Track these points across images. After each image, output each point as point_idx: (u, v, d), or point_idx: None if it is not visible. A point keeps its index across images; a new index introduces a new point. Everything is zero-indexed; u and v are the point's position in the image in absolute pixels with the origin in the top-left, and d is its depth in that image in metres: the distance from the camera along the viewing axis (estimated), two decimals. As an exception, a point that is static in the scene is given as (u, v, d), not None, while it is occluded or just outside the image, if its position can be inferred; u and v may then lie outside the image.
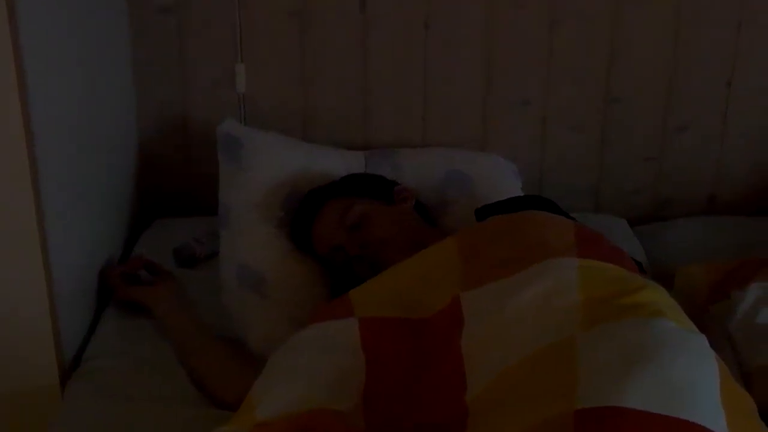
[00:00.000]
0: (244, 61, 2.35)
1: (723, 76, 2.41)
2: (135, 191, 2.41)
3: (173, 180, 2.47)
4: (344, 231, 1.91)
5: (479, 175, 2.25)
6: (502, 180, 2.29)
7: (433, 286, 1.62)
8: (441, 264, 1.65)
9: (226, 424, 1.48)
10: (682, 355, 1.34)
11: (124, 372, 1.83)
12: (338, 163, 2.20)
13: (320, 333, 1.61)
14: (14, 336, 1.79)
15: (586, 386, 1.29)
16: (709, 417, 1.25)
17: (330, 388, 1.50)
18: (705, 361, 1.36)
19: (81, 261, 1.97)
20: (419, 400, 1.49)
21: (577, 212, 2.13)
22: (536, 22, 2.34)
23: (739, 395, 1.38)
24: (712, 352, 1.40)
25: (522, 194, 2.24)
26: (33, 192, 1.69)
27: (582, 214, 2.25)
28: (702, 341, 1.41)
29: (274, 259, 2.01)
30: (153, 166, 2.46)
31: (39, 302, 1.76)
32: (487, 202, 2.02)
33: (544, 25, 2.34)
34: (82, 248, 1.96)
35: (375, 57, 2.36)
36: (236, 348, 1.89)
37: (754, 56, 2.39)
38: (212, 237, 2.18)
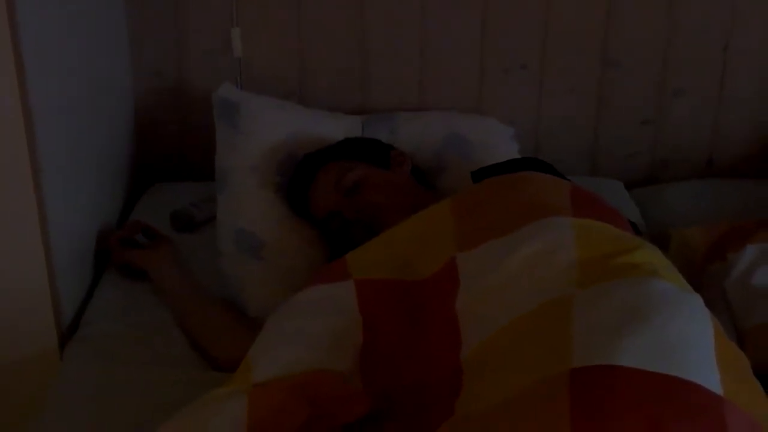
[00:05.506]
0: (239, 26, 2.34)
1: (720, 39, 2.40)
2: (132, 157, 2.41)
3: (170, 145, 2.47)
4: (340, 195, 1.91)
5: (477, 139, 2.25)
6: (500, 144, 2.28)
7: (428, 248, 1.62)
8: (436, 226, 1.65)
9: (223, 385, 1.48)
10: (677, 314, 1.34)
11: (123, 335, 1.83)
12: (335, 127, 2.20)
13: (317, 295, 1.61)
14: (13, 301, 1.79)
15: (582, 346, 1.29)
16: (704, 375, 1.25)
17: (327, 350, 1.50)
18: (700, 321, 1.36)
19: (79, 226, 1.97)
20: (415, 360, 1.49)
21: (573, 175, 2.13)
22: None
23: (734, 354, 1.38)
24: (708, 312, 1.40)
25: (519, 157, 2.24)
26: (30, 158, 1.69)
27: (579, 177, 2.24)
28: (697, 301, 1.41)
29: (271, 223, 2.01)
30: (149, 131, 2.45)
31: (37, 267, 1.77)
32: (483, 165, 2.02)
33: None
34: (79, 213, 1.97)
35: (372, 20, 2.35)
36: (233, 310, 1.90)
37: (751, 19, 2.38)
38: (209, 201, 2.18)
